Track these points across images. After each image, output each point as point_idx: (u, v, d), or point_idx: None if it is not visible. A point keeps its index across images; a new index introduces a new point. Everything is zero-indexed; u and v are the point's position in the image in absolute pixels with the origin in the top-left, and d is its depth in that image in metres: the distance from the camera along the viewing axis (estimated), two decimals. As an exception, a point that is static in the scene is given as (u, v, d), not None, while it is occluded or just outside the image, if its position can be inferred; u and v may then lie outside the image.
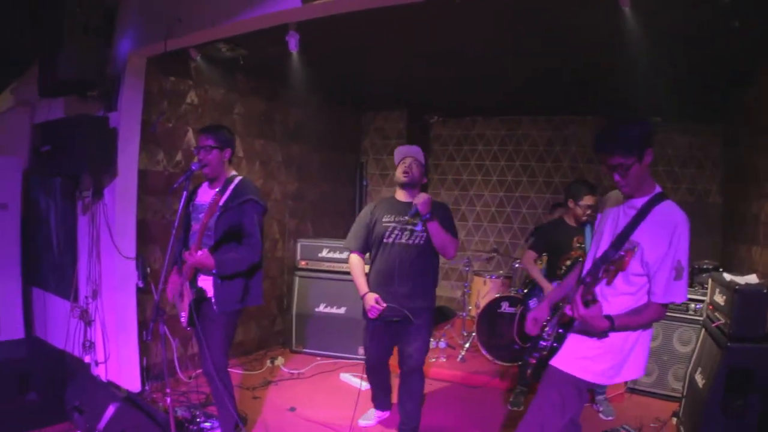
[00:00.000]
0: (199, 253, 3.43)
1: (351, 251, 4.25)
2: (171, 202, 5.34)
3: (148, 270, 5.05)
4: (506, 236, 8.90)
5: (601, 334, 2.63)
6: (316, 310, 6.45)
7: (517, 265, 6.89)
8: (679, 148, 7.77)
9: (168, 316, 4.99)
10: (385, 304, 3.98)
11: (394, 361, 4.30)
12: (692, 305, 5.04)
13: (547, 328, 2.94)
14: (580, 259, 3.17)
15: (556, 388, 2.76)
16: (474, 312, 6.66)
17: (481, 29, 4.73)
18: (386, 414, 4.66)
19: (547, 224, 5.34)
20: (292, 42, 4.50)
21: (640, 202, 2.64)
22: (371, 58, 5.85)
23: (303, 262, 6.61)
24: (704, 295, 4.69)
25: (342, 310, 6.35)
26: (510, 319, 5.92)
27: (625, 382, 5.25)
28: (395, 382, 4.48)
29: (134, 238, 4.93)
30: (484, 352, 6.11)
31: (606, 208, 2.90)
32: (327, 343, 6.38)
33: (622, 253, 2.37)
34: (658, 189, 2.66)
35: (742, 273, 4.38)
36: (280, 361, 6.12)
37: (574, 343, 2.77)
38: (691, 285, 5.09)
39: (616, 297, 2.66)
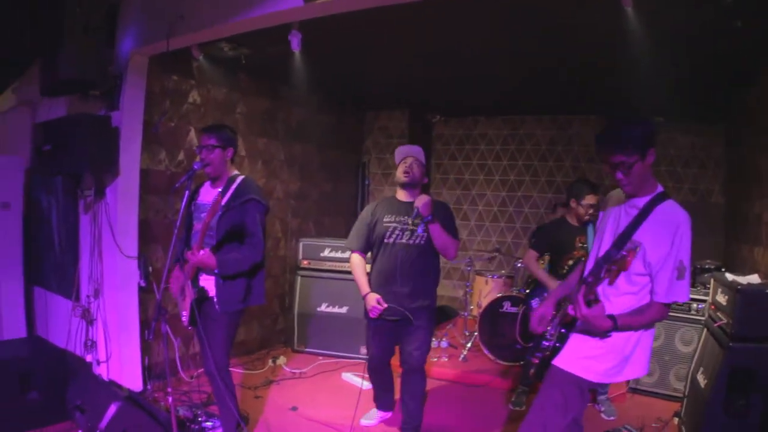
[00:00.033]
0: (201, 252, 3.42)
1: (352, 251, 4.25)
2: (173, 202, 5.33)
3: (150, 269, 5.05)
4: (508, 236, 8.90)
5: (604, 334, 2.63)
6: (318, 309, 6.45)
7: (519, 265, 6.88)
8: (682, 148, 7.76)
9: (170, 315, 5.02)
10: (386, 305, 3.98)
11: (396, 360, 4.30)
12: (694, 305, 5.03)
13: (549, 328, 2.93)
14: (583, 259, 3.16)
15: (558, 387, 2.75)
16: (476, 311, 6.65)
17: (478, 29, 4.73)
18: (388, 414, 4.66)
19: (549, 224, 5.34)
20: (295, 41, 4.50)
21: (642, 201, 2.63)
22: (371, 58, 5.85)
23: (305, 262, 6.61)
24: (706, 295, 4.68)
25: (344, 310, 6.34)
26: (512, 318, 5.91)
27: (627, 382, 5.25)
28: (398, 381, 4.48)
29: (136, 237, 4.94)
30: (486, 351, 6.11)
31: (607, 207, 2.90)
32: (329, 343, 6.39)
33: (624, 253, 2.36)
34: (660, 188, 2.66)
35: (745, 273, 4.38)
36: (281, 360, 6.12)
37: (576, 342, 2.77)
38: (693, 285, 5.08)
39: (619, 297, 2.65)
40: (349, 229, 4.37)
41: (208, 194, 3.78)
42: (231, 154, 3.76)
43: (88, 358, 4.85)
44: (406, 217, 4.03)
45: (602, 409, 4.86)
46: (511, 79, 6.38)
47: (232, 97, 6.23)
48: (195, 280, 3.65)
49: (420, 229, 3.96)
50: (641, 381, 5.21)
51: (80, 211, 5.03)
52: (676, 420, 4.51)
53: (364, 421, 4.56)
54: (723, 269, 5.17)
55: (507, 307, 6.11)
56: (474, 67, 5.90)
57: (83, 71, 4.23)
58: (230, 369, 3.82)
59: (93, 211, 4.87)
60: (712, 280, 4.33)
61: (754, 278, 4.12)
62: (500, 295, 6.24)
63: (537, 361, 2.95)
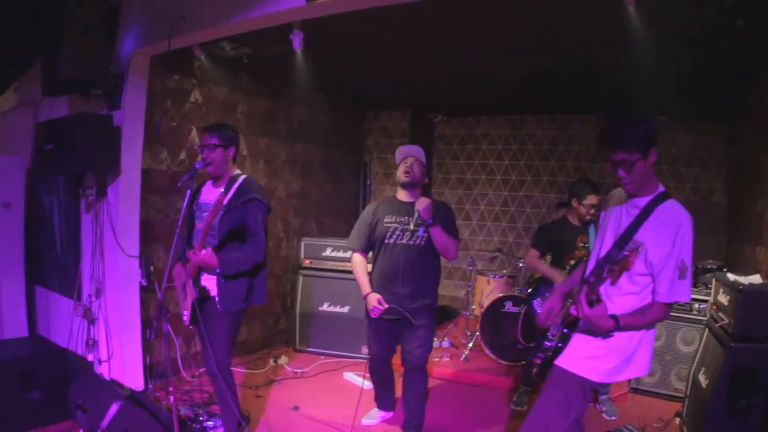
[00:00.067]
0: (203, 252, 3.42)
1: (353, 251, 4.26)
2: (174, 201, 5.34)
3: (152, 268, 5.05)
4: (510, 235, 8.89)
5: (606, 334, 2.63)
6: (320, 309, 6.45)
7: (521, 265, 6.88)
8: (684, 147, 7.75)
9: (171, 314, 5.02)
10: (387, 305, 3.99)
11: (397, 359, 4.30)
12: (696, 305, 5.02)
13: (551, 329, 2.93)
14: (584, 259, 3.16)
15: (561, 387, 2.75)
16: (477, 311, 6.65)
17: (478, 29, 4.72)
18: (390, 414, 4.66)
19: (551, 224, 5.33)
20: (297, 41, 4.49)
21: (643, 201, 2.63)
22: (371, 58, 5.85)
23: (307, 261, 6.61)
24: (708, 295, 4.67)
25: (346, 309, 6.34)
26: (514, 318, 5.91)
27: (629, 382, 5.25)
28: (399, 381, 4.48)
29: (138, 236, 4.94)
30: (487, 351, 6.10)
31: (608, 207, 2.90)
32: (330, 342, 6.39)
33: (627, 252, 2.36)
34: (661, 188, 2.65)
35: (746, 273, 4.37)
36: (283, 360, 6.12)
37: (578, 342, 2.77)
38: (694, 285, 5.08)
39: (621, 297, 2.65)
40: (350, 229, 4.36)
41: (209, 194, 3.78)
42: (233, 153, 3.76)
43: (90, 357, 4.86)
44: (406, 218, 4.03)
45: (603, 409, 4.85)
46: (510, 79, 6.38)
47: (234, 96, 6.23)
48: (197, 280, 3.65)
49: (420, 231, 3.97)
50: (643, 381, 5.21)
51: (82, 211, 5.04)
52: (677, 420, 4.51)
53: (365, 421, 4.56)
54: (725, 269, 5.17)
55: (509, 306, 6.10)
56: (474, 67, 5.89)
57: (83, 71, 4.24)
58: (232, 368, 3.82)
59: (94, 211, 4.87)
60: (713, 280, 4.33)
61: (756, 278, 4.11)
62: (502, 294, 6.23)
63: (539, 362, 2.95)
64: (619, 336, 2.64)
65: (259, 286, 3.77)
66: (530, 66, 5.74)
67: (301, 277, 6.59)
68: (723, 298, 3.95)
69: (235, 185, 3.68)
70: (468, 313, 6.83)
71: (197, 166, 3.53)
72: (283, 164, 7.01)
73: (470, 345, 6.34)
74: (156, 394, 4.93)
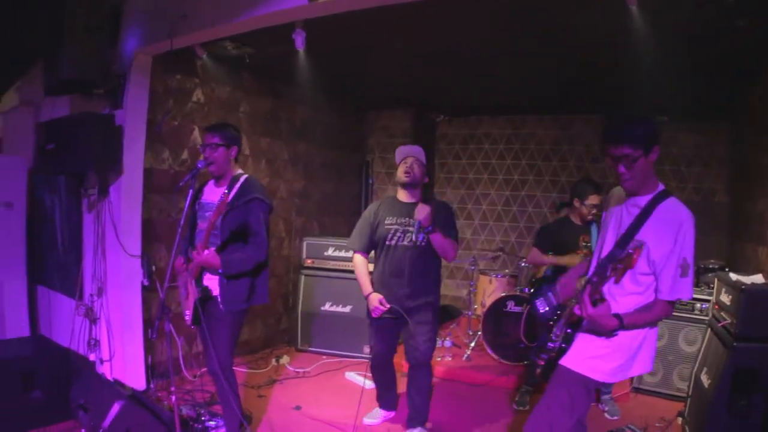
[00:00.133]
0: (206, 252, 3.43)
1: (355, 251, 4.26)
2: (177, 201, 5.34)
3: (154, 268, 5.05)
4: (512, 235, 8.88)
5: (610, 333, 2.62)
6: (322, 308, 6.45)
7: (523, 264, 6.88)
8: (685, 147, 7.74)
9: (173, 314, 5.01)
10: (388, 305, 4.00)
11: (399, 359, 4.30)
12: (698, 305, 5.02)
13: (555, 329, 2.93)
14: (587, 258, 3.16)
15: (565, 387, 2.75)
16: (480, 311, 6.65)
17: (478, 29, 4.73)
18: (392, 414, 4.66)
19: (553, 223, 5.33)
20: (299, 40, 4.49)
21: (644, 200, 2.63)
22: (371, 58, 5.85)
23: (309, 261, 6.61)
24: (710, 294, 4.67)
25: (347, 309, 6.35)
26: (516, 318, 5.91)
27: (631, 381, 5.26)
28: (401, 380, 4.48)
29: (139, 236, 4.94)
30: (489, 351, 6.10)
31: (609, 206, 2.90)
32: (332, 342, 6.39)
33: (630, 250, 2.35)
34: (661, 187, 2.65)
35: (748, 272, 4.37)
36: (285, 359, 6.12)
37: (582, 342, 2.77)
38: (696, 284, 5.07)
39: (625, 297, 2.65)
40: (351, 229, 4.37)
41: (212, 193, 3.78)
42: (235, 152, 3.76)
43: (92, 356, 4.86)
44: (407, 219, 4.05)
45: (606, 408, 4.86)
46: (511, 78, 6.37)
47: (236, 96, 6.23)
48: (199, 280, 3.65)
49: (420, 237, 3.99)
50: (645, 380, 5.21)
51: (83, 210, 5.04)
52: (679, 420, 4.51)
53: (367, 420, 4.57)
54: (727, 269, 5.17)
55: (511, 306, 6.11)
56: (474, 67, 5.89)
57: (84, 71, 4.23)
58: (234, 368, 3.83)
59: (96, 210, 4.87)
60: (715, 280, 4.33)
61: (758, 278, 4.11)
62: (504, 294, 6.23)
63: (543, 362, 2.95)
64: (623, 335, 2.64)
65: (261, 285, 3.77)
66: (531, 66, 5.73)
67: (303, 277, 6.60)
68: (725, 298, 3.94)
69: (237, 185, 3.68)
70: (470, 313, 6.83)
71: (199, 165, 3.53)
72: (285, 164, 7.01)
73: (472, 344, 6.34)
74: (158, 393, 4.94)
